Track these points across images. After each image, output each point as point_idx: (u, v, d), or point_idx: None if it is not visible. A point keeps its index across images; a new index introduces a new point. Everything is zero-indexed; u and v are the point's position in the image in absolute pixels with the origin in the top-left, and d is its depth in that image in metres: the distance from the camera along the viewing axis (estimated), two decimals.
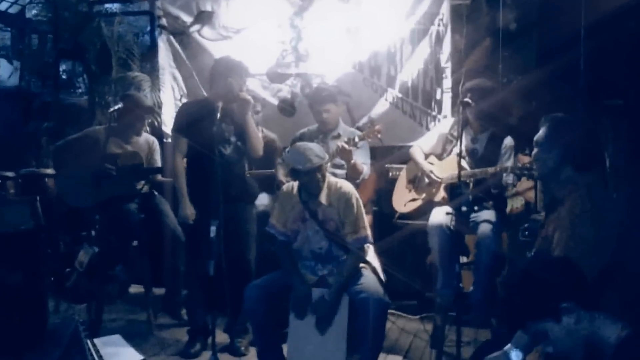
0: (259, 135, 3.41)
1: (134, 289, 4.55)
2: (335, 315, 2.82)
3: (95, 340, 3.15)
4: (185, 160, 3.43)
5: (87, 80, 4.72)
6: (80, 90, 4.87)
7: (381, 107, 4.44)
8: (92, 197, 3.57)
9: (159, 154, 3.95)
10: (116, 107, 3.64)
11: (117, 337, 3.41)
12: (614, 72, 3.35)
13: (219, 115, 3.16)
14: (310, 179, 2.89)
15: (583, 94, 3.51)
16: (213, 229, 2.96)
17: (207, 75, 3.47)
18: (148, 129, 4.07)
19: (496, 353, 1.89)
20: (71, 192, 3.69)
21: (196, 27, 4.68)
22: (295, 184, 3.01)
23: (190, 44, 4.72)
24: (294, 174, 3.01)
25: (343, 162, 3.56)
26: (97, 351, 3.09)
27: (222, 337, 3.47)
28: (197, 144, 3.27)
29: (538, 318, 1.68)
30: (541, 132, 2.29)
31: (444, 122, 3.95)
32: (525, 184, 4.06)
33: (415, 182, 3.59)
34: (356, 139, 3.46)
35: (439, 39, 4.31)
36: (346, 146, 3.40)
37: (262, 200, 3.99)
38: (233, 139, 3.30)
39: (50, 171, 4.19)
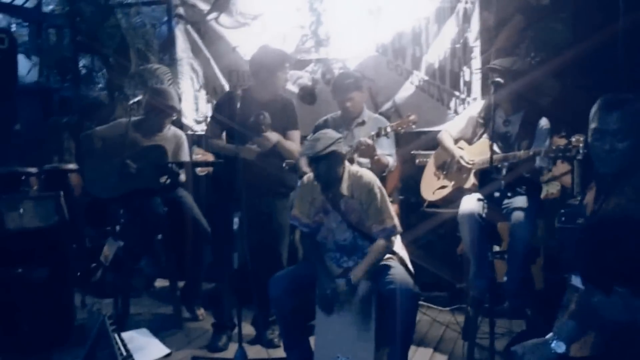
0: (291, 148, 3.45)
1: (159, 282, 4.66)
2: (361, 299, 2.81)
3: (123, 334, 3.23)
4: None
5: (106, 73, 4.81)
6: (99, 85, 4.96)
7: (406, 90, 4.39)
8: (115, 189, 3.65)
9: (186, 149, 3.98)
10: (136, 100, 3.69)
11: (144, 331, 3.50)
12: None
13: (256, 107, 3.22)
14: (319, 167, 2.85)
15: (622, 70, 3.41)
16: (236, 220, 3.01)
17: (251, 66, 3.50)
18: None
19: (535, 340, 1.85)
20: (95, 182, 3.77)
21: (213, 14, 4.71)
22: None
23: (207, 32, 4.76)
24: (309, 162, 3.00)
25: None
26: (125, 345, 3.18)
27: (248, 330, 3.53)
28: (232, 134, 3.33)
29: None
30: (606, 117, 1.98)
31: (474, 105, 3.88)
32: (561, 167, 3.99)
33: (444, 168, 3.54)
34: (388, 129, 3.42)
35: (466, 17, 4.22)
36: (368, 141, 3.36)
37: None
38: (263, 128, 3.31)
39: (73, 166, 4.28)
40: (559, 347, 1.81)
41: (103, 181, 3.68)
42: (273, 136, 3.35)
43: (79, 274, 4.11)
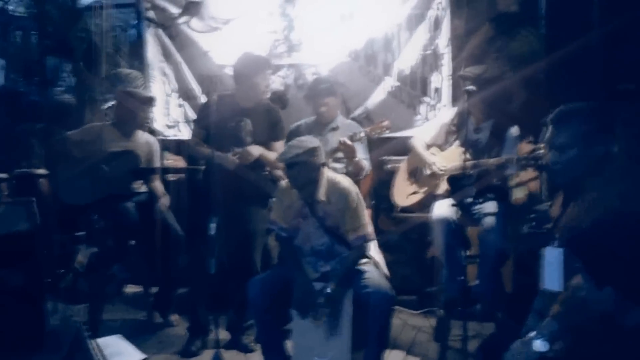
0: (274, 159, 3.52)
1: (130, 288, 4.65)
2: (341, 309, 2.88)
3: (98, 340, 3.26)
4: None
5: (75, 77, 4.78)
6: (67, 89, 4.91)
7: (378, 96, 4.49)
8: (87, 195, 3.65)
9: (158, 155, 4.01)
10: (109, 105, 3.71)
11: (118, 337, 3.51)
12: (627, 55, 3.42)
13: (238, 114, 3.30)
14: (290, 173, 2.92)
15: (597, 78, 3.57)
16: (213, 226, 3.07)
17: (233, 72, 3.56)
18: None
19: (519, 341, 1.91)
20: (66, 188, 3.77)
21: (184, 18, 4.73)
22: None
23: (178, 36, 4.77)
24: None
25: (342, 156, 3.65)
26: (100, 351, 3.21)
27: (223, 335, 3.57)
28: (212, 140, 3.37)
29: None
30: (553, 130, 2.11)
31: (445, 112, 4.01)
32: (528, 174, 4.12)
33: (416, 174, 3.65)
34: (362, 134, 3.51)
35: (437, 24, 4.35)
36: (348, 142, 3.44)
37: None
38: (249, 139, 3.39)
39: (43, 171, 4.25)
40: (543, 346, 1.85)
41: (75, 186, 3.67)
42: (255, 150, 3.41)
43: (49, 280, 4.08)
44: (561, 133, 2.10)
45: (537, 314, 2.17)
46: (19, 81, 4.90)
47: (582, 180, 2.09)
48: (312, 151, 2.91)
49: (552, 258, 2.08)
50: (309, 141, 2.98)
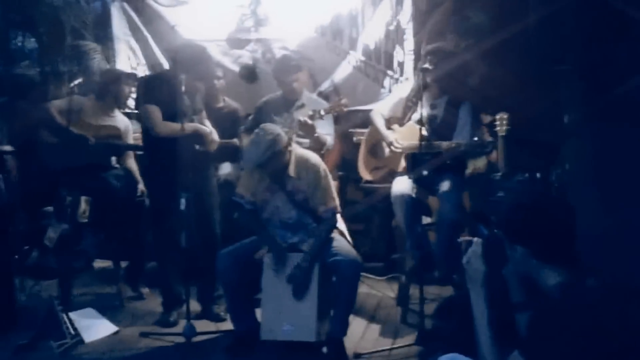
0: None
1: (98, 263, 4.78)
2: (310, 276, 3.10)
3: (70, 314, 3.43)
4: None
5: (39, 51, 4.82)
6: (28, 62, 4.93)
7: (344, 70, 4.70)
8: (69, 161, 3.83)
9: (132, 134, 4.21)
10: (78, 82, 3.83)
11: (90, 310, 3.69)
12: (562, 36, 3.69)
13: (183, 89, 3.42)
14: (270, 167, 3.11)
15: (533, 58, 3.83)
16: (183, 201, 3.25)
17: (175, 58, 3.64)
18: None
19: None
20: (49, 152, 3.96)
21: None
22: None
23: (144, 10, 4.85)
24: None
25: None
26: (72, 324, 3.38)
27: (194, 306, 3.76)
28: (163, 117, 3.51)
29: None
30: None
31: (403, 86, 4.23)
32: None
33: (377, 149, 3.89)
34: (322, 112, 3.72)
35: (400, 0, 4.54)
36: (308, 121, 3.64)
37: (225, 169, 4.25)
38: (189, 112, 3.56)
39: (8, 148, 4.34)
40: None
41: (58, 151, 3.86)
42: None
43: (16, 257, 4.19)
44: None
45: None
46: None
47: None
48: (275, 142, 3.06)
49: None
50: (268, 132, 3.09)
